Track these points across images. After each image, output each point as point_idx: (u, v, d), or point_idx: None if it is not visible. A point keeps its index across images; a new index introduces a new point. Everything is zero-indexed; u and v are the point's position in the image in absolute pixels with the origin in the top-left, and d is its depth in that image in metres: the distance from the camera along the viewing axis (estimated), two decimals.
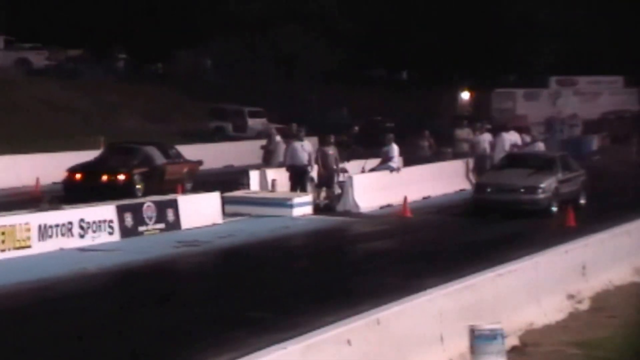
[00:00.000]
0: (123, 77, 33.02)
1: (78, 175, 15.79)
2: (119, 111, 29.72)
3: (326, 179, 15.71)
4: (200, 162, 17.86)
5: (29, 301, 9.04)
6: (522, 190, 14.84)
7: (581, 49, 38.88)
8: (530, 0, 39.36)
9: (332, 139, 16.32)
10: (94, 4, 33.48)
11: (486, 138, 19.86)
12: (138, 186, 15.67)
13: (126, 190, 15.16)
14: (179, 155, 17.50)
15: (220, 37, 35.92)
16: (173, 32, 34.51)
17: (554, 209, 14.99)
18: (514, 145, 19.15)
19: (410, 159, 19.57)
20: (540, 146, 19.28)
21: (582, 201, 15.88)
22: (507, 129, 20.38)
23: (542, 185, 14.87)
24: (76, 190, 15.10)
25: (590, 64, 36.97)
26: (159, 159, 16.71)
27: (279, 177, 16.01)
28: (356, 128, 17.83)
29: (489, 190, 15.08)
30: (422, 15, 38.38)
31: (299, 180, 15.66)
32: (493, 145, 19.42)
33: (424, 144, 21.70)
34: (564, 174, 15.53)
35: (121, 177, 15.68)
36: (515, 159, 16.43)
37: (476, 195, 15.43)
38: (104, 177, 15.65)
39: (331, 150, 15.78)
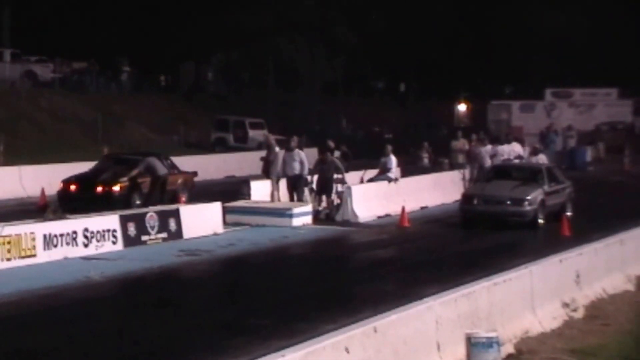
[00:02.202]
0: (127, 89, 33.25)
1: (72, 186, 15.77)
2: (123, 122, 29.93)
3: (323, 188, 15.88)
4: (195, 174, 17.77)
5: (34, 309, 9.17)
6: (508, 202, 14.79)
7: (576, 61, 39.20)
8: (526, 14, 39.70)
9: (330, 148, 16.50)
10: (98, 17, 33.75)
11: (488, 150, 20.05)
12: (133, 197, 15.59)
13: (121, 201, 15.12)
14: (173, 166, 17.42)
15: (222, 49, 36.20)
16: (176, 45, 34.77)
17: (541, 220, 14.90)
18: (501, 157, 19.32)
19: (409, 170, 19.75)
20: (542, 158, 19.27)
21: (569, 213, 15.54)
22: (501, 142, 20.54)
23: (528, 197, 14.74)
24: (70, 201, 15.04)
25: (585, 76, 37.28)
26: (153, 170, 16.70)
27: (280, 187, 16.22)
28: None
29: (475, 201, 15.02)
30: (420, 28, 38.69)
31: (293, 189, 15.85)
32: (492, 157, 19.62)
33: (424, 155, 21.91)
34: (550, 186, 15.43)
35: (115, 188, 15.64)
36: (503, 171, 16.37)
37: (463, 206, 15.24)
38: (99, 188, 15.63)
39: (326, 161, 15.91)
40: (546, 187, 15.28)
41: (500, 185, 15.23)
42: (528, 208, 14.72)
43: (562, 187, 15.99)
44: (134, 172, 16.09)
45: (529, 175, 15.79)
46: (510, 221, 14.62)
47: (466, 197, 15.41)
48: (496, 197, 14.90)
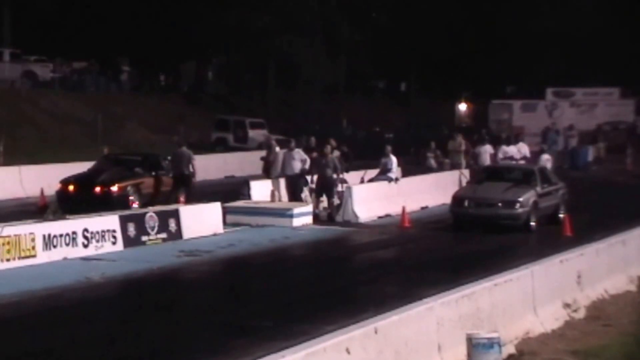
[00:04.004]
0: (127, 89, 33.24)
1: (71, 187, 15.73)
2: (123, 122, 29.92)
3: (323, 188, 15.86)
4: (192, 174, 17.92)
5: (34, 310, 9.15)
6: (500, 204, 14.31)
7: (578, 60, 39.17)
8: (528, 13, 39.68)
9: (329, 148, 16.49)
10: (98, 16, 33.75)
11: (487, 149, 19.98)
12: (131, 197, 15.61)
13: (119, 202, 15.07)
14: None
15: (223, 48, 36.17)
16: (176, 45, 34.75)
17: (533, 223, 14.41)
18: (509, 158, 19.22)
19: (412, 170, 19.68)
20: (545, 158, 19.02)
21: (562, 215, 15.00)
22: (508, 142, 20.39)
23: (520, 200, 14.29)
24: (69, 201, 14.99)
25: (586, 76, 37.23)
26: (150, 170, 16.58)
27: (280, 187, 16.20)
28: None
29: (466, 204, 14.54)
30: (421, 27, 38.67)
31: (293, 188, 15.84)
32: (493, 157, 19.58)
33: (431, 155, 21.85)
34: (542, 188, 14.89)
35: (114, 188, 15.59)
36: (494, 172, 15.98)
37: (453, 209, 14.73)
38: (97, 189, 15.58)
39: (325, 160, 15.90)
40: (539, 189, 14.85)
41: (491, 187, 14.80)
42: (520, 210, 14.30)
43: (555, 188, 15.56)
44: (127, 174, 15.96)
45: (521, 176, 15.35)
46: (502, 224, 14.23)
47: (457, 200, 14.89)
48: (487, 199, 14.47)
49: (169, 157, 16.79)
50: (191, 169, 16.24)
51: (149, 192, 16.10)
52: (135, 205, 15.41)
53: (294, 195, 15.88)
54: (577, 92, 36.36)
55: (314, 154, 16.57)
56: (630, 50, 39.12)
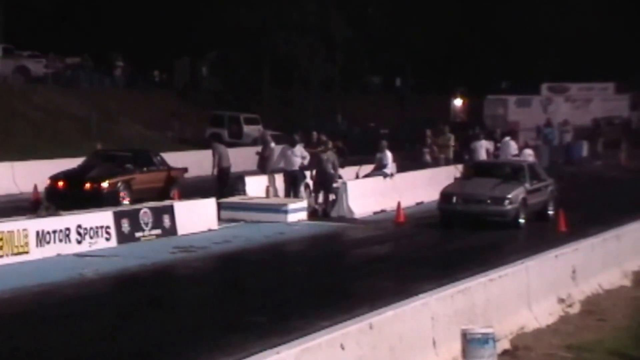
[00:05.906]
0: (121, 85, 33.11)
1: (61, 183, 15.65)
2: (117, 118, 29.82)
3: (322, 184, 15.85)
4: (185, 170, 17.74)
5: (27, 306, 9.12)
6: (488, 201, 14.14)
7: (573, 55, 39.25)
8: (523, 9, 39.72)
9: (330, 144, 16.50)
10: (91, 11, 33.61)
11: (483, 145, 20.01)
12: (122, 194, 15.56)
13: (109, 198, 15.04)
14: (163, 162, 17.38)
15: (218, 45, 36.09)
16: (171, 40, 34.65)
17: (522, 220, 14.29)
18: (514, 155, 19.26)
19: (408, 166, 19.68)
20: (527, 153, 19.11)
21: (551, 212, 15.01)
22: (514, 137, 20.42)
23: (509, 196, 14.12)
24: (59, 198, 14.86)
25: (581, 71, 37.32)
26: (141, 166, 16.55)
27: (275, 182, 16.17)
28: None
29: (454, 200, 14.36)
30: (416, 23, 38.67)
31: (292, 184, 15.83)
32: (490, 152, 19.62)
33: (427, 150, 21.96)
34: (532, 184, 14.77)
35: (104, 184, 15.54)
36: (483, 168, 15.86)
37: (441, 205, 14.57)
38: (87, 185, 15.51)
39: (326, 156, 15.94)
40: (528, 185, 14.74)
41: (480, 184, 14.65)
42: (509, 207, 14.16)
43: (544, 184, 15.44)
44: (118, 170, 15.86)
45: (510, 172, 15.21)
46: (490, 221, 14.11)
47: (445, 196, 14.73)
48: (476, 195, 14.31)
49: (212, 152, 17.09)
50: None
51: (139, 188, 16.05)
52: (126, 201, 15.35)
53: (293, 191, 15.84)
54: (571, 87, 36.43)
55: (315, 149, 16.56)
56: (625, 45, 39.19)
